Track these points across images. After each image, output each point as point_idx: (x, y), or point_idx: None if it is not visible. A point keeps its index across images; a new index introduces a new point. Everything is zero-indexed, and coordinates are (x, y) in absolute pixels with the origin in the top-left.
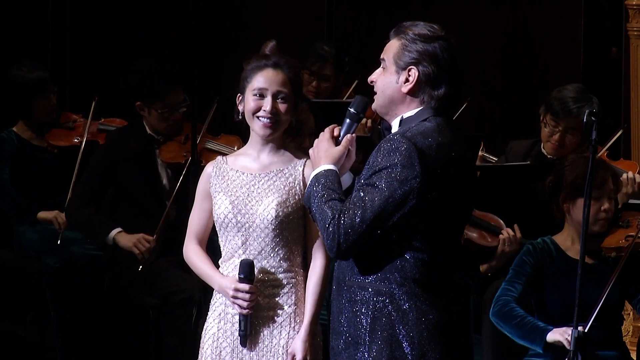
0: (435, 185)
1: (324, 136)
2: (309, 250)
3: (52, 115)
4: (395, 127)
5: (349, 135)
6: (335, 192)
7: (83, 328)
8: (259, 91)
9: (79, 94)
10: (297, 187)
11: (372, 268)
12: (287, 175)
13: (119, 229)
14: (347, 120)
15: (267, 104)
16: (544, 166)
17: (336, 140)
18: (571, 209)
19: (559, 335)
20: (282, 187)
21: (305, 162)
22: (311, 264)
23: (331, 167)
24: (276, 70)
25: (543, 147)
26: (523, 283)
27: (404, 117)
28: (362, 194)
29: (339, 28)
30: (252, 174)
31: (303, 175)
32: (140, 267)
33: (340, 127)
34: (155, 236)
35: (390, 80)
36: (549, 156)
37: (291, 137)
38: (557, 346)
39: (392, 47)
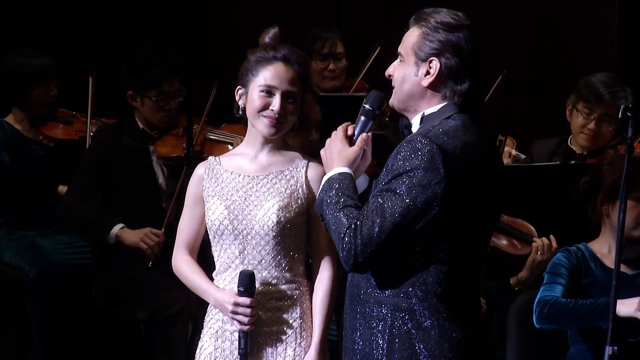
0: (461, 190)
1: (337, 135)
2: (315, 259)
3: (48, 108)
4: (415, 124)
5: (364, 134)
6: (351, 198)
7: (68, 343)
8: (267, 88)
9: (68, 89)
10: (300, 190)
11: (391, 281)
12: (288, 177)
13: (121, 225)
14: (362, 118)
15: (276, 103)
16: (575, 166)
17: (350, 140)
18: (611, 211)
19: (635, 310)
20: (283, 190)
21: (308, 163)
22: (318, 275)
23: (345, 169)
24: (286, 66)
25: (571, 143)
26: (562, 285)
27: (425, 114)
28: (380, 200)
29: (348, 13)
30: (249, 176)
31: (306, 177)
32: (150, 263)
33: (354, 125)
34: (163, 230)
35: (409, 72)
36: (578, 152)
37: (296, 131)
38: (627, 323)
39: (412, 36)
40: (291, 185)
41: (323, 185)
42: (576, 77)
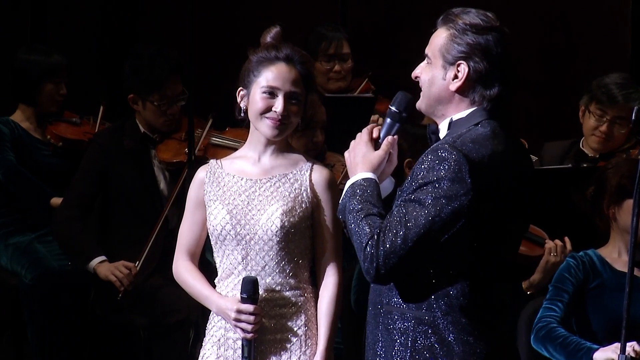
0: (488, 201)
1: (362, 138)
2: (319, 265)
3: (57, 107)
4: (443, 130)
5: (390, 137)
6: (374, 206)
7: (64, 350)
8: (269, 89)
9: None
10: (304, 194)
11: (414, 293)
12: (292, 180)
13: (101, 259)
14: (388, 120)
15: (279, 104)
16: (586, 170)
17: (376, 143)
18: (617, 213)
19: (612, 352)
20: (287, 193)
21: (312, 165)
22: (323, 281)
23: (369, 175)
24: (289, 66)
25: (583, 145)
26: (565, 301)
27: (453, 119)
28: (404, 210)
29: (354, 12)
30: (251, 180)
31: (310, 180)
32: (119, 296)
33: (380, 127)
34: (137, 263)
35: (436, 76)
36: (590, 155)
37: (300, 132)
38: None
39: (439, 37)
40: (295, 189)
41: (346, 191)
42: (588, 77)
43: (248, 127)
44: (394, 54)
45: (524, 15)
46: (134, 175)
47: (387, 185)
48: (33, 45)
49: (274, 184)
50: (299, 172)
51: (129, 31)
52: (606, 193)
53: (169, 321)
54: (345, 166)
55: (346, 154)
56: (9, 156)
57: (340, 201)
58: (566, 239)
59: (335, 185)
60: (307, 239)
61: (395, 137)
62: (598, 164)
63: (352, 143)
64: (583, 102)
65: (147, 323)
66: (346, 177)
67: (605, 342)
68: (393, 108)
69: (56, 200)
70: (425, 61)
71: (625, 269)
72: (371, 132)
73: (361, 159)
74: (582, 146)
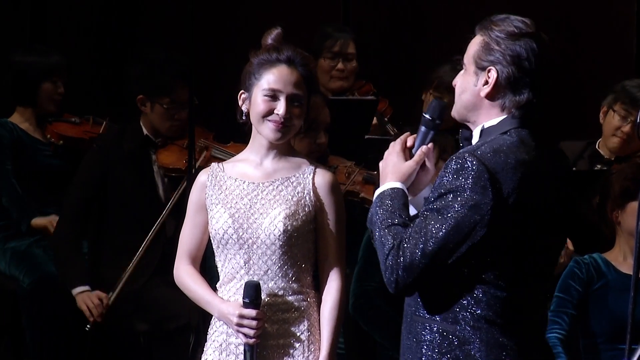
0: (512, 211)
1: (394, 148)
2: (322, 269)
3: (56, 106)
4: (475, 137)
5: (424, 147)
6: (399, 216)
7: (63, 355)
8: (271, 92)
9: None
10: (307, 198)
11: (439, 305)
12: (294, 184)
13: (83, 288)
14: (422, 129)
15: (281, 107)
16: (592, 173)
17: (410, 152)
18: (621, 216)
19: None
20: (290, 197)
21: (315, 169)
22: (326, 286)
23: (397, 184)
24: (290, 68)
25: (599, 147)
26: (570, 312)
27: (484, 127)
28: (425, 220)
29: (356, 13)
30: (254, 183)
31: (313, 183)
32: (87, 326)
33: (415, 136)
34: (111, 294)
35: (469, 82)
36: (606, 157)
37: (304, 134)
38: None
39: (474, 45)
40: (298, 192)
41: (374, 201)
42: (594, 78)
43: (250, 132)
44: (396, 55)
45: (526, 17)
46: (133, 179)
47: (426, 195)
48: (29, 46)
49: (277, 187)
50: (301, 176)
51: (129, 32)
52: (610, 197)
53: (170, 326)
54: (347, 168)
55: (381, 162)
56: (6, 165)
57: (369, 211)
58: (567, 239)
59: (338, 188)
60: (310, 243)
61: (430, 145)
62: (612, 167)
63: (386, 152)
64: (607, 102)
65: (147, 328)
66: (348, 180)
67: (609, 343)
68: (427, 116)
69: (37, 221)
70: (463, 69)
71: (630, 272)
72: (404, 142)
73: (391, 168)
74: (599, 147)
